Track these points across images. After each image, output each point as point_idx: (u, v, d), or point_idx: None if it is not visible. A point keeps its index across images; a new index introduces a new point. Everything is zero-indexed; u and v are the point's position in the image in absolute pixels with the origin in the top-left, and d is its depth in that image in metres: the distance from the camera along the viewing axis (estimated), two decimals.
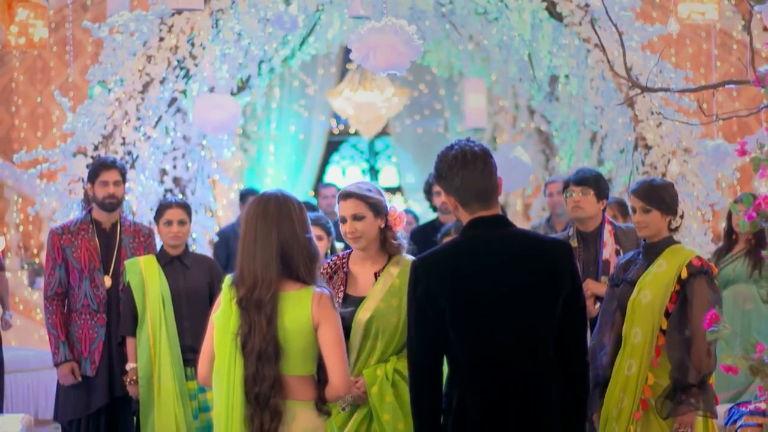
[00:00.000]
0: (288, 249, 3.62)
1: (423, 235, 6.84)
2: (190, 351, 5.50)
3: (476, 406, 3.33)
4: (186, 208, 5.76)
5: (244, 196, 9.43)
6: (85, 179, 6.29)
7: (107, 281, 5.89)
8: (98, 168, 5.98)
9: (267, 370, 3.55)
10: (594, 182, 5.35)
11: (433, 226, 6.98)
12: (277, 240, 3.61)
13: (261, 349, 3.55)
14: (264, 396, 3.54)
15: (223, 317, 3.66)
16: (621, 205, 6.87)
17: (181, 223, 5.70)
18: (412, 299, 3.41)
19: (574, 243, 5.42)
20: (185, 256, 5.77)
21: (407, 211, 9.75)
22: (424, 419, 3.39)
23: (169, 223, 5.69)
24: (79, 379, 5.82)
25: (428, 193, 7.26)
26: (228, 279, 3.71)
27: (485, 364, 3.35)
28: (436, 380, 3.39)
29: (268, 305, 3.57)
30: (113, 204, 5.94)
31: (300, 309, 3.59)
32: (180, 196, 7.79)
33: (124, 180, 6.05)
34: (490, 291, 3.35)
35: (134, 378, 5.60)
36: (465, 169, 3.40)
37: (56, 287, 5.90)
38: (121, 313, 5.76)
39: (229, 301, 3.65)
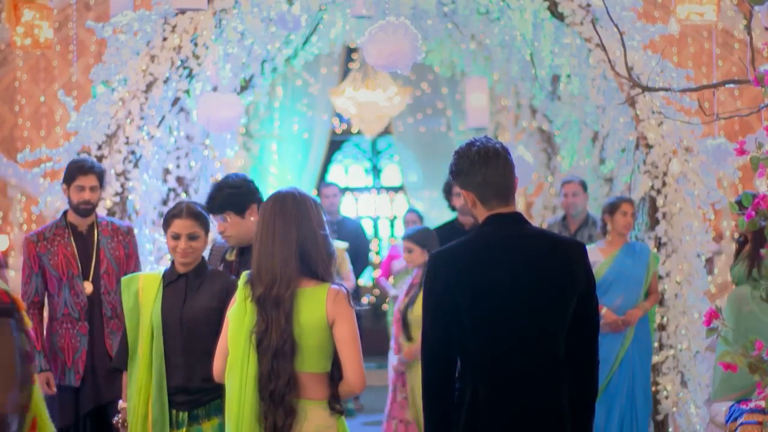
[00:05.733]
0: (307, 246, 3.64)
1: (444, 236, 6.81)
2: (182, 392, 4.45)
3: (489, 400, 3.36)
4: (199, 218, 4.62)
5: None
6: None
7: (87, 287, 5.69)
8: (75, 172, 5.72)
9: (282, 368, 3.57)
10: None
11: (453, 228, 6.96)
12: (296, 238, 3.63)
13: (278, 347, 3.56)
14: (279, 393, 3.56)
15: (238, 315, 3.67)
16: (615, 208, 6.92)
17: (192, 237, 4.56)
18: (430, 293, 3.44)
19: None
20: (197, 274, 4.60)
21: (411, 210, 9.77)
22: (436, 412, 3.42)
23: (176, 236, 4.57)
24: (54, 390, 5.58)
25: (448, 193, 7.18)
26: (243, 277, 3.72)
27: (499, 358, 3.38)
28: (449, 374, 3.42)
29: (286, 302, 3.59)
30: (88, 210, 5.73)
31: (315, 306, 3.61)
32: (183, 195, 7.80)
33: (101, 184, 5.77)
34: (507, 286, 3.38)
35: (125, 419, 4.64)
36: (487, 166, 3.44)
37: (32, 296, 5.69)
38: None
39: (244, 300, 3.67)
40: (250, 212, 4.88)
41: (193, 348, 4.40)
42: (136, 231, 6.85)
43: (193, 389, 4.38)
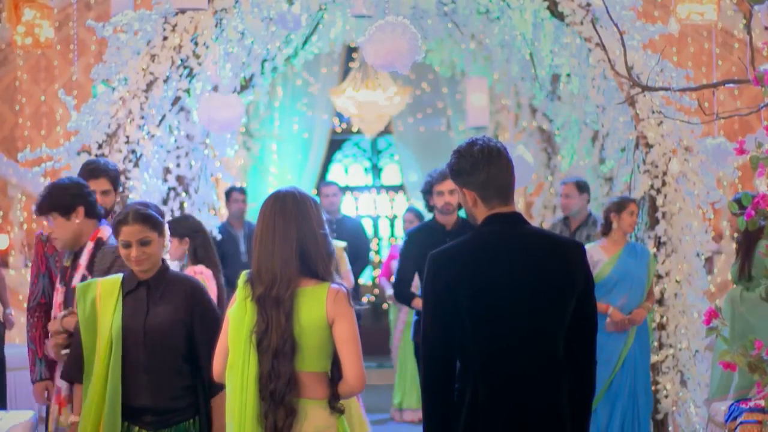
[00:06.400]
0: (307, 246, 3.64)
1: (426, 237, 6.61)
2: (149, 412, 4.16)
3: (489, 400, 3.37)
4: (149, 221, 4.24)
5: (229, 193, 9.50)
6: None
7: None
8: (85, 175, 5.42)
9: (283, 367, 3.56)
10: None
11: (432, 228, 6.76)
12: (296, 237, 3.63)
13: (278, 346, 3.56)
14: (279, 393, 3.55)
15: (238, 315, 3.67)
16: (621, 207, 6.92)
17: (144, 243, 4.20)
18: (430, 293, 3.43)
19: None
20: (158, 281, 4.26)
21: (411, 209, 9.76)
22: (436, 412, 3.41)
23: (127, 244, 4.22)
24: (51, 401, 5.16)
25: (429, 193, 6.97)
26: (243, 276, 3.72)
27: (499, 358, 3.38)
28: (449, 373, 3.41)
29: (287, 302, 3.59)
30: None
31: (315, 305, 3.61)
32: (184, 194, 7.81)
33: (115, 187, 5.52)
34: (507, 285, 3.38)
35: None
36: (490, 165, 3.44)
37: (39, 297, 5.38)
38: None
39: (244, 300, 3.66)
40: (75, 215, 4.91)
41: (159, 365, 4.15)
42: None
43: (161, 409, 4.14)
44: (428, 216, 9.98)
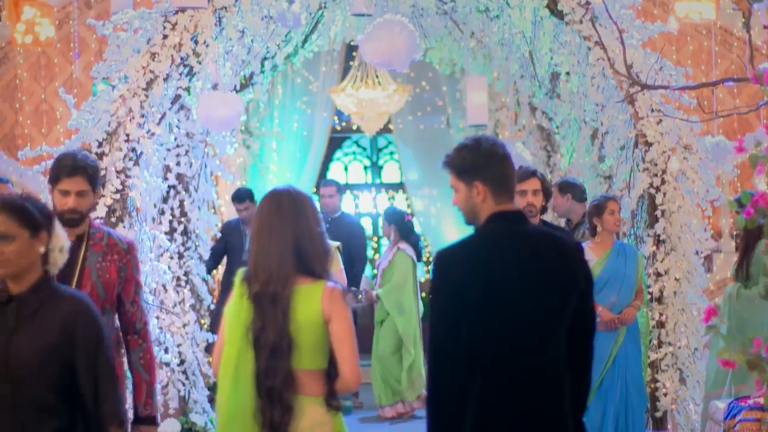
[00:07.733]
0: (303, 244, 3.65)
1: None
2: None
3: (496, 397, 3.37)
4: (16, 213, 3.38)
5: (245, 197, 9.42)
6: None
7: None
8: (58, 172, 4.53)
9: (280, 365, 3.57)
10: None
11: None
12: (293, 235, 3.64)
13: (275, 344, 3.56)
14: (276, 390, 3.56)
15: (234, 312, 3.67)
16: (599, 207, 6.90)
17: (3, 238, 3.35)
18: (440, 291, 3.42)
19: None
20: (32, 296, 3.40)
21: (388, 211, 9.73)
22: (442, 410, 3.40)
23: None
24: None
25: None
26: (240, 274, 3.73)
27: (508, 356, 3.38)
28: (457, 371, 3.39)
29: (284, 300, 3.59)
30: (73, 220, 4.49)
31: (311, 303, 3.62)
32: (184, 192, 7.81)
33: (94, 186, 4.57)
34: (516, 284, 3.38)
35: None
36: (503, 161, 3.48)
37: None
38: None
39: (240, 297, 3.67)
40: None
41: (24, 401, 3.33)
42: (135, 229, 6.85)
43: None
44: (425, 215, 10.02)
